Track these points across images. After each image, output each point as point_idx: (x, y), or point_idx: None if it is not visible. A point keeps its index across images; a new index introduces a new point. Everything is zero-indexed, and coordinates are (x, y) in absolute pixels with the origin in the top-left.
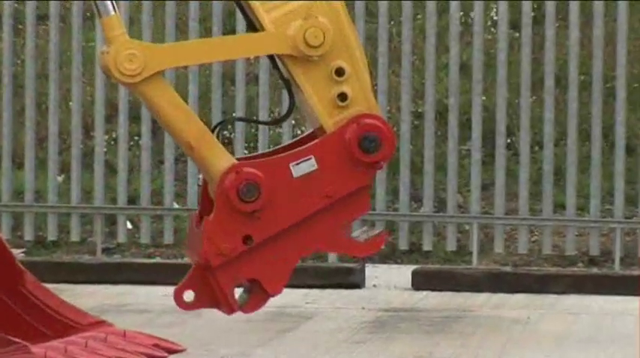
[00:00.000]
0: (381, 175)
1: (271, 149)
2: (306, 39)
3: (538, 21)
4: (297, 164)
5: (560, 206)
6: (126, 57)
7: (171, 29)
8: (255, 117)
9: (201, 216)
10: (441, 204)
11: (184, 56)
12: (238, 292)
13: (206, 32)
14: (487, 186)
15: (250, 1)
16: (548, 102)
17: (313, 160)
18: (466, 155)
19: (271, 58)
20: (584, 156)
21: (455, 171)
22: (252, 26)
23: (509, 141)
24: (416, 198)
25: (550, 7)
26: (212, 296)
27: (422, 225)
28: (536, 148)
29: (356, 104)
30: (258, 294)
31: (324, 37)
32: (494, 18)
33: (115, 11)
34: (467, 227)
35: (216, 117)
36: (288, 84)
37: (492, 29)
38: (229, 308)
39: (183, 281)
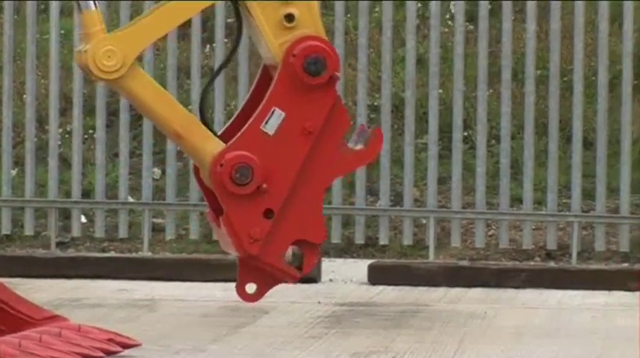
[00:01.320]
0: None
1: (237, 112)
2: None
3: (495, 14)
4: (267, 122)
5: (517, 200)
6: (104, 54)
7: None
8: (211, 110)
9: (215, 212)
10: (397, 198)
11: (152, 31)
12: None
13: None
14: (444, 180)
15: None
16: (505, 96)
17: (278, 110)
18: (423, 148)
19: None
20: (541, 150)
21: (411, 164)
22: None
23: (465, 134)
24: (372, 192)
25: (507, 0)
26: (271, 277)
27: (378, 219)
28: (493, 142)
29: (303, 26)
30: (308, 250)
31: None
32: (452, 11)
33: (96, 6)
34: (423, 221)
35: None
36: (236, 4)
37: (449, 22)
38: (291, 277)
39: (238, 278)
